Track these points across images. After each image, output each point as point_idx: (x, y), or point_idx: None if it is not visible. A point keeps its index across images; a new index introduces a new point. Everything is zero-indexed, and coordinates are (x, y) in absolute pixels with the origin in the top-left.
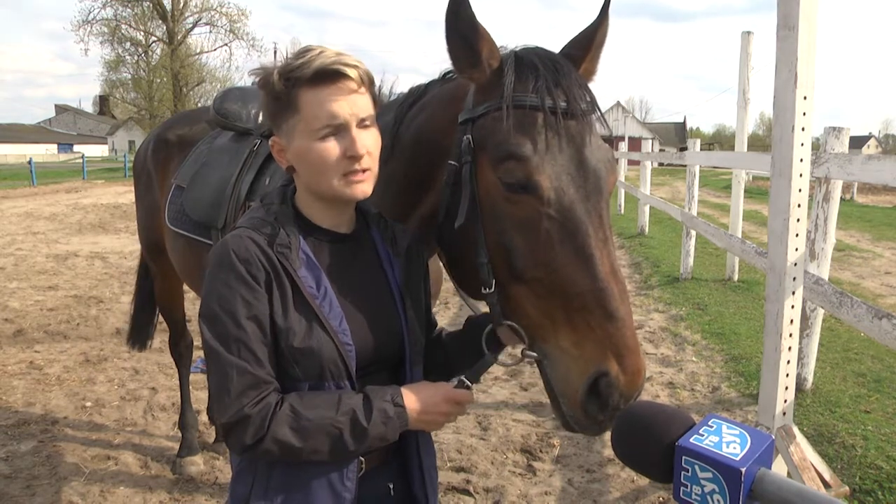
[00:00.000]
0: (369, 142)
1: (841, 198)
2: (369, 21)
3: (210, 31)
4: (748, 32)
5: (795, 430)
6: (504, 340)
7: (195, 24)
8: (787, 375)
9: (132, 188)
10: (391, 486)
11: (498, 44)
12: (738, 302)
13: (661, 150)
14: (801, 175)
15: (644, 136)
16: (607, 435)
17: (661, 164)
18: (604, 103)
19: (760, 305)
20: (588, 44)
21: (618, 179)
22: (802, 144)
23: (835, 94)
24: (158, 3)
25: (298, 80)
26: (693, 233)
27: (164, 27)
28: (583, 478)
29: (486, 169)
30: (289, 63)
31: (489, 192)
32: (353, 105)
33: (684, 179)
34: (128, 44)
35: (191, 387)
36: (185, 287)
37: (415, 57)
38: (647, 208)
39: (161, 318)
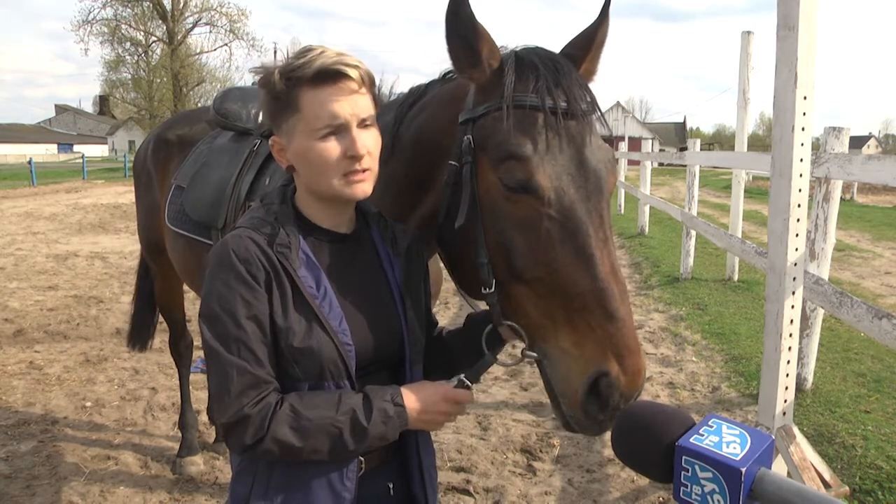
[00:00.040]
0: (370, 142)
1: (841, 198)
2: (369, 21)
3: (210, 31)
4: (748, 32)
5: (795, 430)
6: (505, 337)
7: (195, 24)
8: (787, 375)
9: (132, 188)
10: (391, 486)
11: (498, 44)
12: (738, 302)
13: (661, 150)
14: (801, 175)
15: (644, 136)
16: (607, 435)
17: (661, 164)
18: (604, 103)
19: (760, 305)
20: (588, 44)
21: (618, 179)
22: (802, 144)
23: (835, 94)
24: (158, 3)
25: (299, 80)
26: (693, 233)
27: (164, 27)
28: (583, 478)
29: (486, 169)
30: (290, 62)
31: (489, 192)
32: (353, 105)
33: (684, 179)
34: (128, 44)
35: (191, 387)
36: (185, 287)
37: (415, 57)
38: (647, 208)
39: (161, 319)
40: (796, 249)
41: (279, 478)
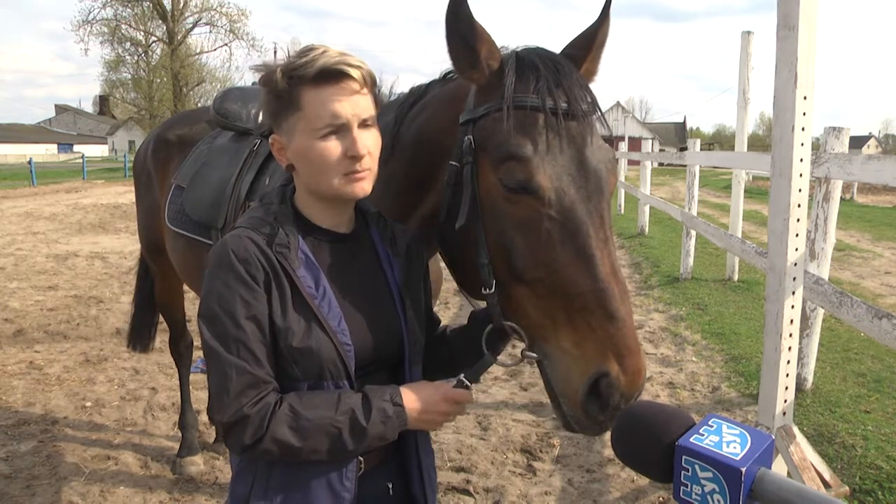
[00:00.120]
0: (370, 142)
1: (841, 198)
2: (369, 21)
3: (210, 31)
4: (748, 32)
5: (795, 430)
6: (507, 333)
7: (195, 24)
8: (787, 375)
9: (132, 188)
10: (390, 486)
11: (499, 44)
12: (738, 302)
13: (661, 150)
14: (801, 175)
15: (644, 136)
16: (607, 435)
17: (661, 164)
18: (604, 103)
19: (760, 305)
20: (589, 44)
21: (618, 180)
22: (802, 144)
23: (835, 94)
24: (158, 3)
25: (301, 79)
26: (693, 233)
27: (164, 27)
28: (583, 478)
29: (487, 169)
30: (292, 61)
31: (490, 192)
32: (355, 105)
33: (684, 179)
34: (128, 44)
35: (191, 387)
36: (185, 287)
37: (415, 57)
38: (647, 208)
39: (161, 319)
40: (796, 249)
41: (279, 478)
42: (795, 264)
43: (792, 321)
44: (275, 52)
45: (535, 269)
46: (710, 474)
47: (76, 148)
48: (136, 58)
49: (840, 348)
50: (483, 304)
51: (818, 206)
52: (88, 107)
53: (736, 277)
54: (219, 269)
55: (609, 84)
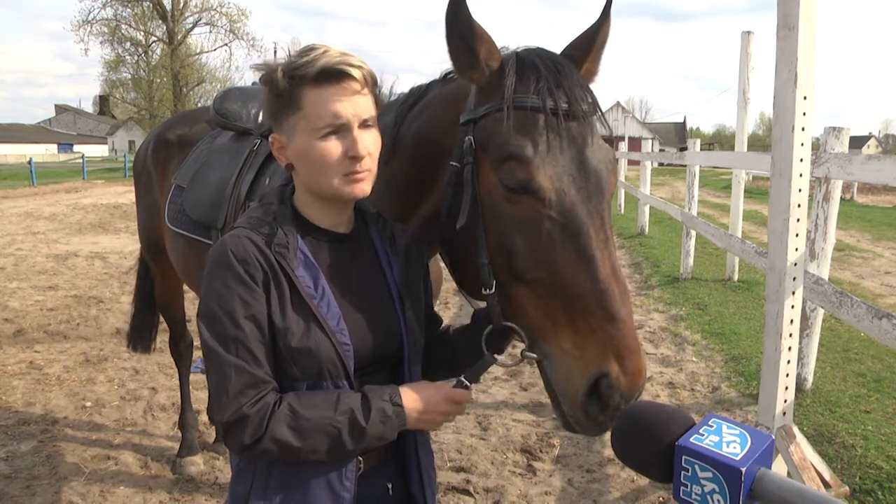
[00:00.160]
0: (370, 143)
1: (841, 198)
2: (369, 21)
3: (210, 31)
4: (748, 32)
5: (795, 430)
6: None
7: (195, 24)
8: (787, 375)
9: (132, 188)
10: (390, 486)
11: (499, 44)
12: (738, 302)
13: (661, 150)
14: (801, 175)
15: (644, 136)
16: (607, 435)
17: (661, 164)
18: (604, 103)
19: (760, 305)
20: (590, 44)
21: (618, 180)
22: (802, 144)
23: (835, 94)
24: (158, 3)
25: (303, 78)
26: (693, 233)
27: (164, 27)
28: (583, 478)
29: (487, 170)
30: (293, 60)
31: (490, 193)
32: (356, 106)
33: (684, 179)
34: (128, 44)
35: (191, 387)
36: (185, 287)
37: (415, 57)
38: (647, 208)
39: (161, 319)
40: (796, 249)
41: (278, 477)
42: (795, 264)
43: (792, 321)
44: (275, 52)
45: (535, 269)
46: (710, 474)
47: (76, 148)
48: (136, 58)
49: (840, 348)
50: (482, 305)
51: (818, 206)
52: (88, 107)
53: (736, 277)
54: (218, 269)
55: (609, 84)
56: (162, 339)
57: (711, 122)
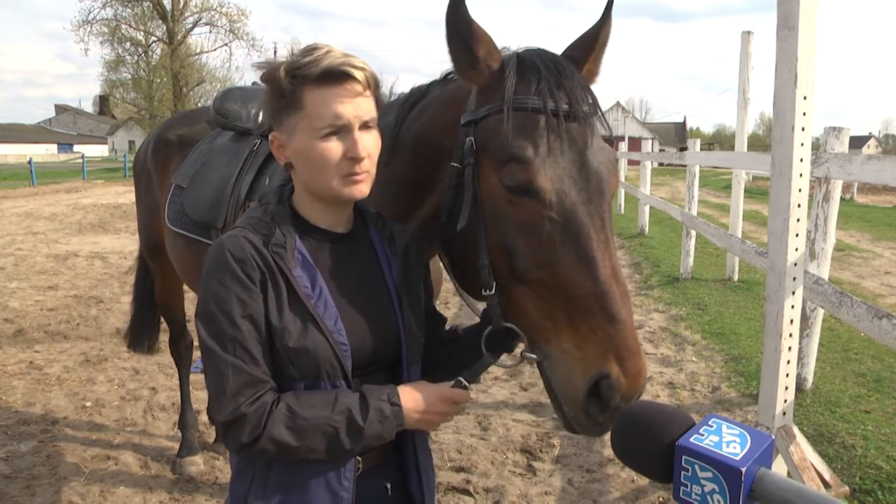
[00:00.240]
0: (370, 144)
1: (841, 198)
2: (369, 21)
3: (210, 31)
4: (748, 32)
5: (795, 430)
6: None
7: (195, 24)
8: (787, 375)
9: (132, 188)
10: (389, 486)
11: (500, 45)
12: (738, 302)
13: (661, 150)
14: (801, 175)
15: (644, 136)
16: (607, 435)
17: (661, 164)
18: (604, 103)
19: (760, 305)
20: (591, 45)
21: (619, 181)
22: (802, 144)
23: (835, 94)
24: (158, 3)
25: (305, 78)
26: (693, 233)
27: (164, 27)
28: (583, 478)
29: (488, 171)
30: (296, 60)
31: (491, 194)
32: (357, 107)
33: (684, 179)
34: (128, 44)
35: (191, 387)
36: (185, 287)
37: (414, 57)
38: (647, 208)
39: (161, 319)
40: (796, 249)
41: (277, 477)
42: (795, 264)
43: (792, 321)
44: (275, 52)
45: (535, 270)
46: (709, 474)
47: (76, 148)
48: (136, 58)
49: (840, 348)
50: (482, 306)
51: (818, 206)
52: (88, 107)
53: (736, 277)
54: (215, 269)
55: (609, 84)
56: (162, 339)
57: (711, 122)
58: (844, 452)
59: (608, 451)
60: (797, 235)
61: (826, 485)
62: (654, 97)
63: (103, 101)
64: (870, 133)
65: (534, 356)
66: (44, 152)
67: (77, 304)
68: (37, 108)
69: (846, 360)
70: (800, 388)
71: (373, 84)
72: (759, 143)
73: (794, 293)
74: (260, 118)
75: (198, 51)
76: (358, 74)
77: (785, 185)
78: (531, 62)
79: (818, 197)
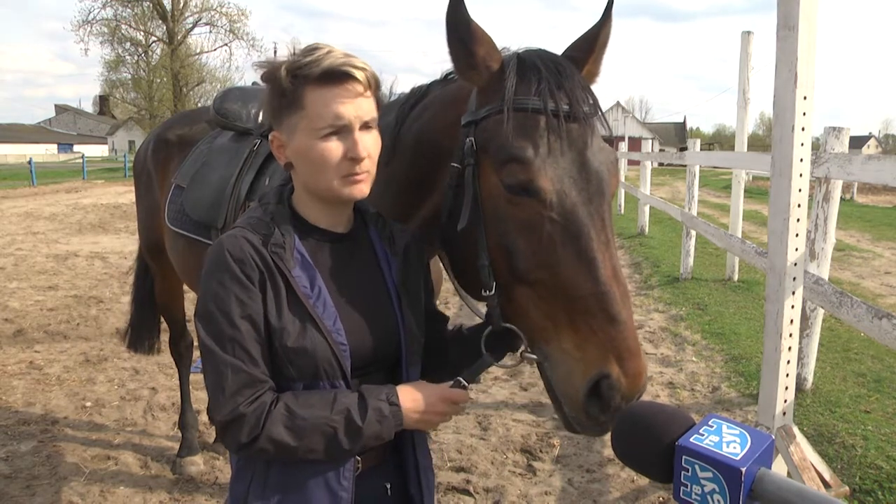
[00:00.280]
0: (370, 144)
1: (841, 198)
2: (369, 21)
3: (210, 31)
4: (748, 32)
5: (795, 430)
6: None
7: (195, 24)
8: (787, 375)
9: (132, 188)
10: (388, 486)
11: (500, 45)
12: (738, 302)
13: (661, 150)
14: (801, 175)
15: (644, 136)
16: (607, 435)
17: (661, 164)
18: (604, 103)
19: (760, 305)
20: (591, 45)
21: (619, 181)
22: (802, 144)
23: (835, 94)
24: (158, 3)
25: (306, 78)
26: (693, 233)
27: (164, 27)
28: (583, 478)
29: (488, 172)
30: (297, 59)
31: (491, 194)
32: (358, 108)
33: (684, 179)
34: (128, 44)
35: (191, 387)
36: (185, 287)
37: (414, 57)
38: (647, 208)
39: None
40: (796, 249)
41: (276, 477)
42: (795, 264)
43: (792, 321)
44: (275, 52)
45: (536, 271)
46: (710, 474)
47: (76, 148)
48: (136, 58)
49: (840, 348)
50: (481, 306)
51: (818, 206)
52: (88, 107)
53: (736, 277)
54: (215, 269)
55: (609, 84)
56: (162, 338)
57: (711, 122)
58: (844, 452)
59: (608, 451)
60: (797, 235)
61: (826, 485)
62: (654, 97)
63: (103, 101)
64: (870, 133)
65: (534, 356)
66: (44, 152)
67: (77, 304)
68: (37, 108)
69: (846, 360)
70: (800, 388)
71: (373, 84)
72: (759, 143)
73: (794, 293)
74: (260, 118)
75: (198, 51)
76: (359, 75)
77: (785, 185)
78: (531, 62)
79: (818, 197)
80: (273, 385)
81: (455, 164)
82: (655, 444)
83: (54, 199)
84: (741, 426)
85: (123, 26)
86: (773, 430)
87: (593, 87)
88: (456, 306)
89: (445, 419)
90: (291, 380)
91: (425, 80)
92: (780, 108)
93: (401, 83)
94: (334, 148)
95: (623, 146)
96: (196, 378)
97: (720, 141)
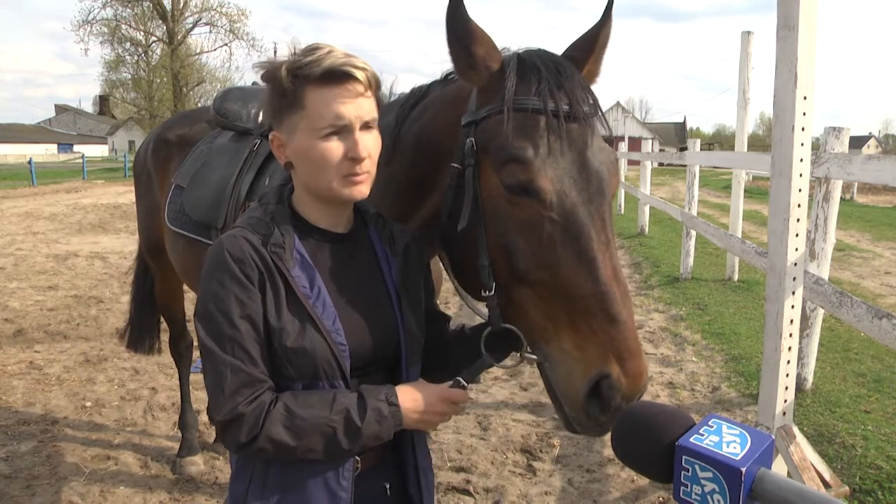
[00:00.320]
0: (371, 144)
1: (841, 198)
2: (369, 21)
3: (210, 31)
4: (748, 32)
5: (795, 430)
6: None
7: (195, 24)
8: (787, 375)
9: (132, 188)
10: (387, 486)
11: (500, 45)
12: (738, 302)
13: (661, 150)
14: (801, 175)
15: (644, 136)
16: (607, 435)
17: (661, 164)
18: (604, 103)
19: (760, 305)
20: (591, 45)
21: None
22: (802, 144)
23: (835, 94)
24: (158, 3)
25: (307, 78)
26: (693, 233)
27: (164, 27)
28: (583, 478)
29: (488, 172)
30: (297, 59)
31: (492, 194)
32: (358, 108)
33: (684, 179)
34: (128, 44)
35: (191, 387)
36: (185, 287)
37: (414, 57)
38: (647, 208)
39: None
40: (796, 249)
41: (275, 477)
42: (795, 264)
43: (792, 321)
44: (275, 52)
45: (536, 271)
46: (710, 474)
47: (76, 148)
48: (136, 58)
49: (840, 348)
50: (481, 307)
51: (818, 206)
52: (88, 107)
53: (736, 277)
54: (214, 269)
55: (609, 84)
56: (162, 339)
57: (711, 122)
58: (844, 452)
59: (608, 451)
60: (797, 235)
61: (826, 485)
62: (654, 97)
63: (103, 101)
64: (870, 133)
65: (534, 357)
66: (44, 152)
67: (77, 304)
68: (37, 108)
69: (846, 360)
70: (800, 388)
71: (374, 84)
72: (759, 143)
73: (794, 293)
74: (260, 118)
75: (198, 51)
76: (359, 75)
77: (785, 185)
78: (531, 63)
79: (818, 197)
80: (272, 385)
81: (455, 165)
82: (655, 444)
83: (54, 199)
84: (741, 426)
85: (123, 26)
86: (773, 430)
87: (593, 87)
88: (456, 306)
89: (445, 419)
90: (291, 380)
91: (425, 80)
92: (780, 108)
93: (401, 83)
94: (335, 148)
95: (623, 146)
96: (196, 378)
97: (720, 141)
